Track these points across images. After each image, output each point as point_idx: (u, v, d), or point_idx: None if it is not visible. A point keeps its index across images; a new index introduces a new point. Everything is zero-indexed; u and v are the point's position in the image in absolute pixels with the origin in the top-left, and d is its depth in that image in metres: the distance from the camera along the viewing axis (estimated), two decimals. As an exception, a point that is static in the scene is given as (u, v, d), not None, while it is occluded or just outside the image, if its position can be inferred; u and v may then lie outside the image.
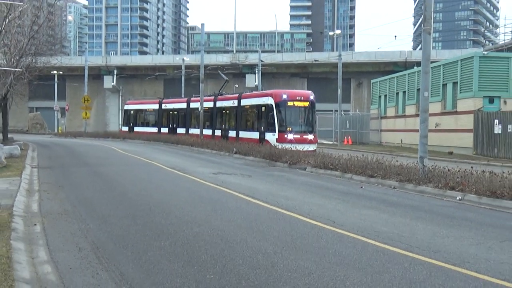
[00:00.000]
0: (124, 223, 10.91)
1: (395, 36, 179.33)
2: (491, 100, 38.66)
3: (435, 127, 38.77)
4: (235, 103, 40.90)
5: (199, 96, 47.02)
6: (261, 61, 64.93)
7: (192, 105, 49.55)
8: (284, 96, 33.65)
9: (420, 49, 19.79)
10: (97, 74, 76.91)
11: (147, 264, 7.66)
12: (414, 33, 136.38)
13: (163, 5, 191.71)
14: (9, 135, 41.53)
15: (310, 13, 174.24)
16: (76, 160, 28.07)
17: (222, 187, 16.94)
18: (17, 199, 12.61)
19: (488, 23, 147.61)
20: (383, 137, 53.48)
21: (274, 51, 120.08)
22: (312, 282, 6.70)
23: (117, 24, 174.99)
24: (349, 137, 54.87)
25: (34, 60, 37.94)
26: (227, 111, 43.71)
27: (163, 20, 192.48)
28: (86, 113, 61.68)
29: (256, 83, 63.80)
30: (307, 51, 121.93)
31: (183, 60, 68.91)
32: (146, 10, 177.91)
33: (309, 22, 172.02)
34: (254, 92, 42.42)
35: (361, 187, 17.92)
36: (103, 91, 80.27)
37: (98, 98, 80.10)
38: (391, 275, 7.09)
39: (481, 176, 15.85)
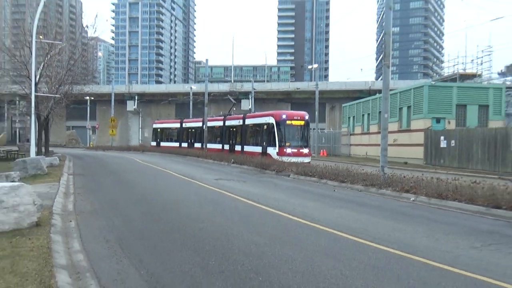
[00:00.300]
0: (143, 219, 10.92)
1: (361, 69, 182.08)
2: (437, 120, 38.91)
3: (393, 142, 38.77)
4: (241, 122, 39.47)
5: (213, 117, 47.65)
6: (254, 89, 65.16)
7: (207, 123, 47.24)
8: (284, 116, 32.92)
9: (381, 79, 19.85)
10: (121, 99, 76.95)
11: (161, 253, 7.65)
12: (376, 67, 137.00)
13: (175, 43, 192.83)
14: (50, 149, 41.39)
15: (293, 50, 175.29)
16: (104, 169, 27.98)
17: (222, 190, 16.91)
18: (56, 200, 12.56)
19: (435, 59, 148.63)
20: (352, 150, 53.53)
21: (264, 81, 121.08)
22: (294, 267, 6.72)
23: (137, 59, 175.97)
24: (324, 150, 55.03)
25: (71, 88, 37.93)
26: (234, 129, 41.71)
27: (175, 56, 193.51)
28: (112, 130, 61.96)
29: (250, 106, 63.92)
30: (290, 81, 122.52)
31: (191, 88, 69.46)
32: (161, 48, 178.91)
33: (292, 58, 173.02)
34: (257, 113, 39.90)
35: (334, 190, 17.91)
36: (126, 113, 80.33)
37: (122, 119, 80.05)
38: (359, 262, 7.10)
39: (430, 182, 15.90)
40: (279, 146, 31.73)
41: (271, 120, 32.79)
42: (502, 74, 67.74)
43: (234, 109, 53.40)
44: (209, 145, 44.83)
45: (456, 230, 9.91)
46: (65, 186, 17.19)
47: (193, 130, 52.59)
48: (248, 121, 37.95)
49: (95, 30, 39.52)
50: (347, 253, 7.64)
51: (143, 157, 42.75)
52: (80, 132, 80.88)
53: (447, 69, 65.09)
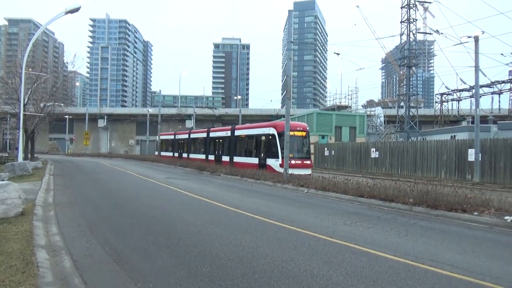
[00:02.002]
0: (108, 208, 10.36)
1: (271, 100, 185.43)
2: (323, 137, 40.50)
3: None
4: (228, 133, 30.01)
5: (198, 129, 39.60)
6: (195, 112, 64.36)
7: (192, 135, 37.80)
8: None
9: (285, 108, 20.43)
10: (94, 118, 72.94)
11: (122, 233, 7.29)
12: (282, 98, 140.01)
13: (136, 78, 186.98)
14: (35, 155, 38.41)
15: (223, 86, 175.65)
16: (79, 170, 26.27)
17: (170, 186, 16.45)
18: (38, 195, 11.62)
19: (321, 95, 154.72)
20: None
21: (203, 107, 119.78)
22: (222, 241, 6.64)
23: (107, 88, 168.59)
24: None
25: (53, 109, 35.54)
26: (220, 140, 31.60)
27: (136, 87, 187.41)
28: (86, 142, 58.75)
29: (192, 125, 63.00)
30: (222, 108, 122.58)
31: (148, 111, 67.45)
32: (126, 81, 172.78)
33: (223, 90, 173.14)
34: (250, 124, 30.66)
35: (252, 185, 18.02)
36: (98, 128, 76.16)
37: (94, 133, 75.77)
38: (268, 236, 7.15)
39: (317, 179, 16.42)
40: (282, 157, 22.06)
41: (272, 131, 23.99)
42: (364, 106, 72.55)
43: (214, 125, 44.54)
44: (194, 155, 36.05)
45: (334, 212, 10.26)
46: (46, 183, 15.93)
47: (181, 141, 41.75)
48: (239, 132, 28.80)
49: (74, 66, 37.01)
50: (259, 230, 7.67)
51: (110, 162, 40.68)
52: (60, 142, 75.85)
53: (329, 102, 67.97)
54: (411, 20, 34.94)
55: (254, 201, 12.28)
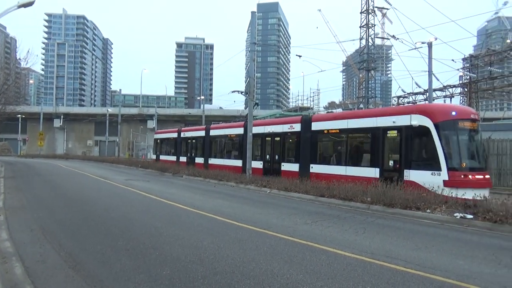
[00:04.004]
0: (64, 211, 9.92)
1: (234, 101, 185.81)
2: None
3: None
4: (297, 127, 18.84)
5: (226, 124, 27.91)
6: (157, 112, 63.13)
7: (213, 132, 26.78)
8: (453, 113, 13.15)
9: (248, 108, 20.60)
10: (49, 117, 69.67)
11: (78, 237, 7.03)
12: (245, 100, 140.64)
13: (95, 76, 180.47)
14: (-16, 156, 36.25)
15: (186, 86, 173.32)
16: (33, 172, 25.00)
17: (130, 187, 16.04)
18: (-13, 198, 10.97)
19: (284, 96, 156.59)
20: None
21: (165, 107, 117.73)
22: (183, 243, 6.57)
23: (64, 87, 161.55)
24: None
25: (4, 108, 33.64)
26: (288, 139, 19.73)
27: (95, 86, 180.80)
28: (40, 142, 55.88)
29: (154, 125, 61.75)
30: (185, 108, 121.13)
31: (107, 110, 65.33)
32: (84, 79, 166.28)
33: (186, 91, 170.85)
34: (371, 109, 21.49)
35: (214, 186, 17.94)
36: (53, 128, 72.80)
37: (50, 133, 72.38)
38: (229, 237, 7.15)
39: (279, 180, 16.61)
40: (450, 169, 12.29)
41: (424, 120, 12.89)
42: (325, 108, 74.34)
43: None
44: (218, 161, 25.50)
45: (296, 212, 10.42)
46: (-4, 187, 15.08)
47: (193, 141, 29.99)
48: (353, 123, 15.77)
49: (27, 62, 35.05)
50: (221, 231, 7.66)
51: (67, 163, 39.06)
52: (12, 143, 71.76)
53: (292, 103, 69.06)
54: (370, 25, 36.20)
55: (217, 202, 12.23)
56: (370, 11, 36.04)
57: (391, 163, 13.89)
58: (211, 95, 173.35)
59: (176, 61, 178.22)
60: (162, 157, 34.09)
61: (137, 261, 5.52)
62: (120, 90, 60.26)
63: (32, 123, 70.90)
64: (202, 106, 67.61)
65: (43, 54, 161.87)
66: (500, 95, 36.49)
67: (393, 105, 51.96)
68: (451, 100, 33.53)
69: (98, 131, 72.11)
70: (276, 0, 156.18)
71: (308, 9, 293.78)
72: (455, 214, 9.52)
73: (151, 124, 65.17)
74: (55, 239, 6.82)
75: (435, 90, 32.03)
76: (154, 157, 36.14)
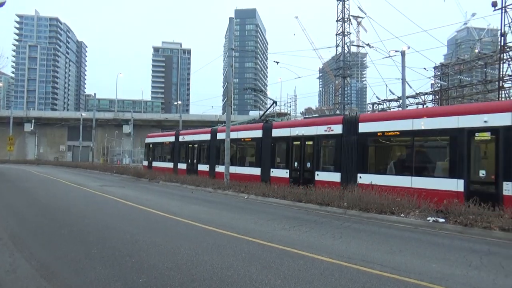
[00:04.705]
0: (36, 219, 9.60)
1: (212, 106, 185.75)
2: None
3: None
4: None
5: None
6: (133, 117, 62.14)
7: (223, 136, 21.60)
8: None
9: (226, 114, 20.35)
10: (20, 122, 67.44)
11: (51, 246, 6.81)
12: (223, 105, 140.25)
13: (69, 80, 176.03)
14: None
15: (163, 90, 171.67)
16: (1, 178, 24.06)
17: (105, 194, 15.68)
18: (-48, 206, 10.48)
19: (262, 102, 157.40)
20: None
21: (141, 112, 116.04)
22: (160, 250, 6.48)
23: (35, 90, 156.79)
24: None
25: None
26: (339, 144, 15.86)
27: (68, 89, 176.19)
28: (10, 147, 54.12)
29: (130, 130, 60.70)
30: (161, 113, 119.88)
31: (81, 115, 63.94)
32: (57, 83, 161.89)
33: (163, 95, 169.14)
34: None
35: (192, 192, 17.78)
36: (24, 133, 70.48)
37: (20, 138, 69.92)
38: (207, 243, 7.10)
39: (257, 185, 16.61)
40: None
41: None
42: (302, 114, 75.22)
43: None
44: (239, 169, 20.68)
45: (273, 218, 10.45)
46: (-38, 194, 14.44)
47: (195, 146, 25.39)
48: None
49: (-4, 65, 33.98)
50: (198, 237, 7.60)
51: (39, 169, 37.86)
52: (-20, 149, 69.18)
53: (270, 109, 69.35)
54: (345, 33, 36.94)
55: (194, 208, 12.12)
56: (345, 19, 36.80)
57: (482, 173, 11.11)
58: (188, 100, 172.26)
59: (153, 66, 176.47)
60: (155, 164, 29.88)
61: (112, 269, 5.40)
62: (95, 94, 59.54)
63: (1, 128, 68.46)
64: (178, 111, 67.06)
65: (14, 57, 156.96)
66: (469, 103, 37.76)
67: (368, 111, 52.55)
68: (423, 107, 34.55)
69: (71, 136, 70.18)
70: (254, 7, 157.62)
71: (285, 16, 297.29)
72: (428, 218, 9.79)
73: (127, 129, 64.10)
74: (26, 248, 6.58)
75: (408, 97, 32.94)
76: (145, 163, 31.80)
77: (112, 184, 21.39)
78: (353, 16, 38.63)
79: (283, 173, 17.52)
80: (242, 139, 20.90)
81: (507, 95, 28.64)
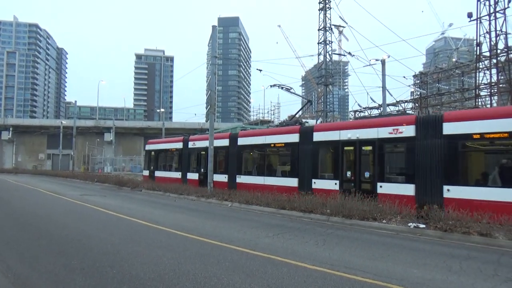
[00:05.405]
0: (13, 230, 9.30)
1: (195, 114, 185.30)
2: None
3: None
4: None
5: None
6: (114, 125, 61.33)
7: (254, 140, 19.29)
8: None
9: (209, 121, 20.25)
10: (-4, 130, 66.04)
11: (29, 258, 6.61)
12: (206, 112, 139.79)
13: (49, 87, 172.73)
14: None
15: (146, 98, 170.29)
16: (-23, 188, 23.36)
17: (86, 203, 15.36)
18: None
19: (245, 109, 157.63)
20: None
21: (123, 119, 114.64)
22: (142, 260, 6.37)
23: (13, 97, 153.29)
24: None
25: None
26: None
27: (48, 97, 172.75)
28: (-14, 156, 52.63)
29: (111, 138, 59.81)
30: (144, 120, 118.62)
31: (61, 122, 62.57)
32: (36, 90, 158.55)
33: (146, 103, 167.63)
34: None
35: (175, 200, 17.61)
36: (1, 141, 68.68)
37: (-3, 146, 68.42)
38: (190, 252, 7.03)
39: (241, 193, 16.55)
40: None
41: None
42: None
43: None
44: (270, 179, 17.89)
45: (257, 225, 10.43)
46: None
47: (207, 153, 21.02)
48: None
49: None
50: (181, 246, 7.51)
51: (16, 178, 36.85)
52: (-47, 158, 66.93)
53: (253, 116, 69.60)
54: (327, 42, 37.46)
55: (177, 217, 12.00)
56: (327, 28, 37.34)
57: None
58: (171, 107, 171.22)
59: (135, 73, 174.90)
60: (159, 174, 26.75)
61: (93, 280, 5.29)
62: (76, 101, 57.99)
63: (-24, 136, 66.59)
64: (161, 118, 66.51)
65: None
66: (448, 110, 38.71)
67: (350, 118, 52.97)
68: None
69: (51, 144, 68.69)
70: (237, 15, 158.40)
71: (268, 24, 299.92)
72: (409, 224, 9.94)
73: (109, 137, 63.23)
74: (2, 261, 6.38)
75: (389, 105, 33.58)
76: (145, 173, 28.64)
77: (93, 193, 20.99)
78: (334, 25, 39.27)
79: (331, 184, 14.67)
80: (272, 145, 17.86)
81: (483, 103, 29.51)
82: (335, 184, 14.49)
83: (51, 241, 7.91)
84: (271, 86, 20.57)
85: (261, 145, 18.25)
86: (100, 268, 5.86)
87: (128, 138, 70.86)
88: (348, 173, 14.28)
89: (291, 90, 20.61)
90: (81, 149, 65.09)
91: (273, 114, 62.11)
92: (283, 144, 17.31)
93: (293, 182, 16.28)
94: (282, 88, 20.04)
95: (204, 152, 21.98)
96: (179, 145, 24.94)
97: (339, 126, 15.82)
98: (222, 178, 20.08)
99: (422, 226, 9.71)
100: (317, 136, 15.64)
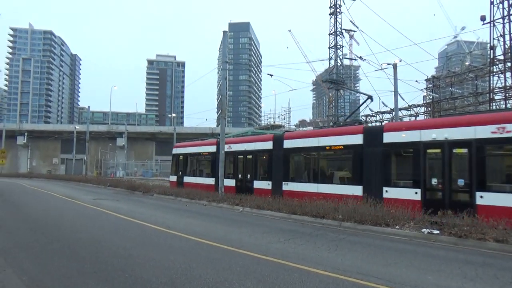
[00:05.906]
0: (27, 234, 9.43)
1: (206, 119, 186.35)
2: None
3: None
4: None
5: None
6: (127, 130, 61.96)
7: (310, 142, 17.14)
8: None
9: (220, 126, 20.31)
10: (12, 135, 66.91)
11: (42, 261, 6.69)
12: (217, 117, 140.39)
13: (62, 93, 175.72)
14: None
15: (157, 103, 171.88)
16: (-7, 192, 23.75)
17: (98, 207, 15.52)
18: None
19: (256, 114, 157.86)
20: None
21: (135, 124, 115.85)
22: (154, 264, 6.39)
23: (28, 103, 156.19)
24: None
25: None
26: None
27: (62, 102, 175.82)
28: (2, 160, 53.45)
29: (124, 143, 60.38)
30: (155, 125, 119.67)
31: (75, 128, 63.49)
32: (50, 96, 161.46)
33: (157, 108, 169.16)
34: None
35: (186, 205, 17.65)
36: (16, 146, 69.90)
37: (13, 150, 69.29)
38: (202, 256, 7.03)
39: (252, 198, 16.52)
40: None
41: None
42: (296, 126, 75.68)
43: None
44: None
45: (268, 230, 10.38)
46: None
47: (242, 156, 20.73)
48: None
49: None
50: (193, 251, 7.52)
51: (31, 182, 37.45)
52: (-29, 162, 68.41)
53: (264, 121, 69.55)
54: (338, 46, 37.38)
55: (188, 221, 12.02)
56: (338, 33, 37.27)
57: None
58: (182, 112, 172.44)
59: (147, 78, 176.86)
60: (188, 180, 24.65)
61: (105, 284, 5.32)
62: (89, 107, 59.19)
63: (-7, 141, 67.95)
64: (173, 123, 67.01)
65: (7, 69, 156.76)
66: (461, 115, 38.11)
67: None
68: (416, 119, 34.91)
69: (64, 149, 69.71)
70: (247, 20, 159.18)
71: (278, 29, 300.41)
72: (423, 230, 9.79)
73: (121, 141, 63.87)
74: (17, 263, 6.47)
75: (401, 109, 33.27)
76: (173, 179, 26.54)
77: (105, 197, 21.19)
78: (345, 30, 39.16)
79: (409, 193, 12.39)
80: (327, 147, 15.79)
81: (497, 106, 29.04)
82: (415, 193, 12.26)
83: (64, 245, 7.99)
84: (322, 81, 19.29)
85: (314, 148, 16.26)
86: (113, 272, 5.89)
87: (140, 143, 71.48)
88: (434, 181, 12.02)
89: (343, 86, 18.18)
90: (94, 154, 65.90)
91: (284, 118, 62.01)
92: (341, 147, 15.23)
93: (356, 190, 14.00)
94: (333, 83, 18.37)
95: (241, 156, 20.39)
96: (212, 149, 22.76)
97: (420, 125, 13.32)
98: (265, 185, 18.42)
99: (436, 232, 9.55)
100: (388, 137, 13.38)
